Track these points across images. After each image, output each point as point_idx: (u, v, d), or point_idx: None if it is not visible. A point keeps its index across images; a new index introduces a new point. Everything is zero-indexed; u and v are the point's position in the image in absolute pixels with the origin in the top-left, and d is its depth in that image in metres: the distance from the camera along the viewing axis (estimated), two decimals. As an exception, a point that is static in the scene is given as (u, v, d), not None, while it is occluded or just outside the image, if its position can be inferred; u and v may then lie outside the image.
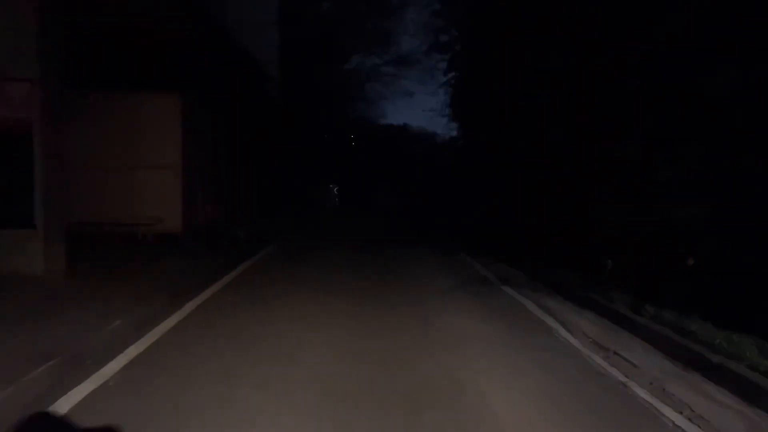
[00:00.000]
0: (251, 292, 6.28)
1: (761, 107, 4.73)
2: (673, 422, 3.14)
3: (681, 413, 3.27)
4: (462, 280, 7.62)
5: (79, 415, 2.90)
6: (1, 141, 5.90)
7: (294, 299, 5.88)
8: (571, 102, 7.38)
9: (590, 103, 6.88)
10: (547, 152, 8.52)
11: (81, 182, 8.96)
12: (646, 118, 5.75)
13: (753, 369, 3.67)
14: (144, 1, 8.14)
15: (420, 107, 79.23)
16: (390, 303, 5.87)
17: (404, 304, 5.85)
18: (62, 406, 3.00)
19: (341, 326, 4.88)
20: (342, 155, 37.48)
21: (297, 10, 21.45)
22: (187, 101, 9.63)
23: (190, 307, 5.46)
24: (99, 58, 9.50)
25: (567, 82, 7.43)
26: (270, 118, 18.08)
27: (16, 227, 5.82)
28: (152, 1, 8.26)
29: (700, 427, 3.10)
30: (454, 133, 18.44)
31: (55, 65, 6.00)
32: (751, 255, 4.73)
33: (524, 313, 5.78)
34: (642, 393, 3.56)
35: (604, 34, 6.40)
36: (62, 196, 6.20)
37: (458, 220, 18.39)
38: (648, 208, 5.70)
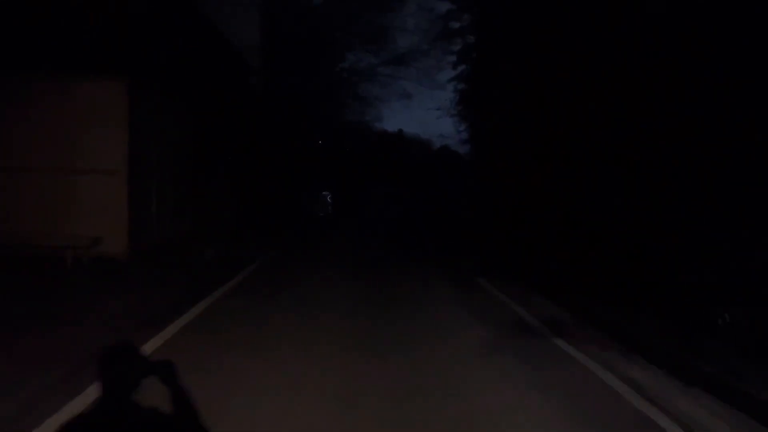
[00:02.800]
0: (197, 364, 4.03)
1: None
2: None
3: None
4: (495, 329, 5.58)
5: None
6: None
7: (256, 389, 3.70)
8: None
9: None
10: (605, 148, 6.57)
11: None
12: None
13: None
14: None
15: (418, 109, 77.34)
16: (398, 397, 3.75)
17: (422, 394, 3.73)
18: None
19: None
20: (336, 160, 35.39)
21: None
22: (137, 88, 7.57)
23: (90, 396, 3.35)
24: (24, 30, 7.47)
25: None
26: (253, 115, 16.02)
27: None
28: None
29: None
30: (464, 135, 16.61)
31: None
32: None
33: (611, 398, 3.75)
34: None
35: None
36: None
37: (468, 231, 16.43)
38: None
